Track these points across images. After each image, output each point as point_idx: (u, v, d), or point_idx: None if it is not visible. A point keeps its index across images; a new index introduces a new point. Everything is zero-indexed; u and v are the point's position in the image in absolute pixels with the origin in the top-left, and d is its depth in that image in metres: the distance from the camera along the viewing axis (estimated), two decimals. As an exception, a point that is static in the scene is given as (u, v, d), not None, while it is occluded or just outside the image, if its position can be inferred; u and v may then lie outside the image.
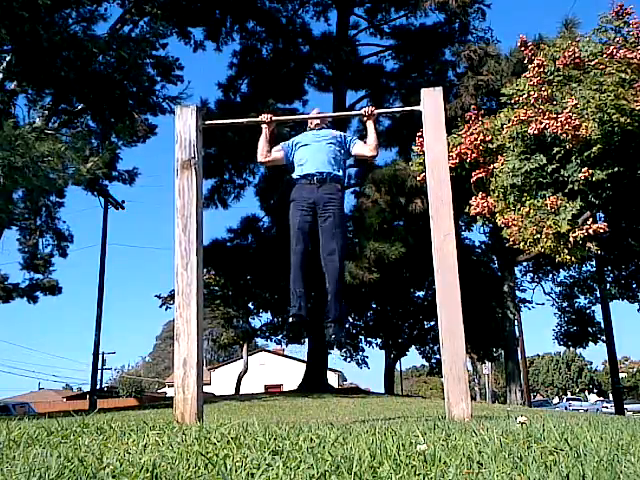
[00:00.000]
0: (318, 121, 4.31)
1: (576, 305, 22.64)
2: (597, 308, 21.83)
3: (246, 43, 17.95)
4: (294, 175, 4.16)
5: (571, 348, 24.00)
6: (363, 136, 4.29)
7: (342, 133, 4.33)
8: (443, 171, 3.58)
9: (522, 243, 10.20)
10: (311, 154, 4.09)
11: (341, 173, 4.12)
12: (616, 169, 9.47)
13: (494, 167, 10.74)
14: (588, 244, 9.85)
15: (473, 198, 11.05)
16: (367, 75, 18.40)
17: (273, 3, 17.61)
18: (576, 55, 9.87)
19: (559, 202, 9.67)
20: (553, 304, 22.83)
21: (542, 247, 9.93)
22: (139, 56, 12.94)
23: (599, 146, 9.16)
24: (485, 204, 10.76)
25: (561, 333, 22.48)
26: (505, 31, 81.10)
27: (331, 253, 3.92)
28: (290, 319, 3.98)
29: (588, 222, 9.99)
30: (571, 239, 9.71)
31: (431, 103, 3.70)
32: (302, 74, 18.03)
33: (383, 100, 17.91)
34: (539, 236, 9.80)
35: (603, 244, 10.76)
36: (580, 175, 9.41)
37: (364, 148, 4.24)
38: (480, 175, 10.98)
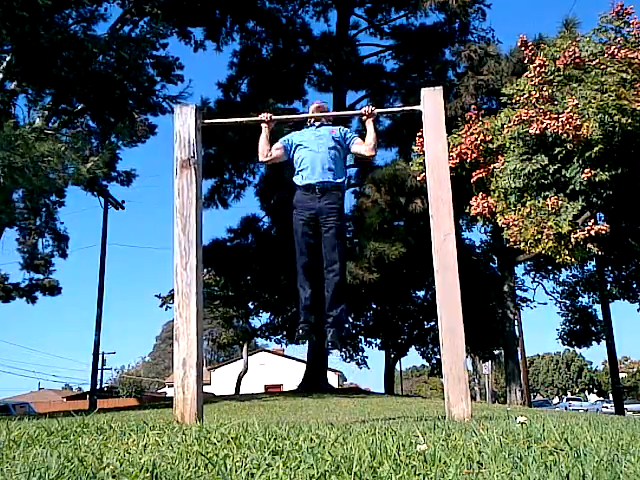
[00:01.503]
0: (319, 105, 4.29)
1: (578, 304, 22.64)
2: (598, 307, 21.88)
3: (246, 43, 17.96)
4: (295, 181, 4.15)
5: (575, 348, 23.93)
6: (363, 135, 4.27)
7: (342, 129, 4.26)
8: (443, 171, 3.58)
9: (523, 244, 10.20)
10: (311, 160, 4.07)
11: (341, 179, 4.12)
12: (619, 170, 9.46)
13: (494, 167, 10.74)
14: (589, 245, 9.84)
15: (473, 198, 11.05)
16: (367, 75, 18.41)
17: (273, 3, 17.62)
18: (576, 55, 9.87)
19: (560, 203, 9.66)
20: (556, 303, 22.82)
21: (543, 248, 9.93)
22: (139, 56, 12.95)
23: (600, 146, 9.15)
24: (485, 204, 10.76)
25: (565, 333, 22.46)
26: (505, 31, 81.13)
27: (332, 263, 4.03)
28: (299, 332, 4.08)
29: (589, 222, 9.98)
30: (572, 240, 9.70)
31: (431, 103, 3.70)
32: (302, 74, 18.04)
33: (383, 100, 17.92)
34: (540, 237, 9.79)
35: (603, 244, 10.74)
36: (583, 176, 9.40)
37: (362, 148, 4.21)
38: (480, 175, 10.98)
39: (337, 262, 4.02)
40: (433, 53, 17.62)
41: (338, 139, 4.16)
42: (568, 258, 10.00)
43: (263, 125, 4.14)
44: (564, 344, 22.97)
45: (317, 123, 4.24)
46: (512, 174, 10.13)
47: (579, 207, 9.69)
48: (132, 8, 14.40)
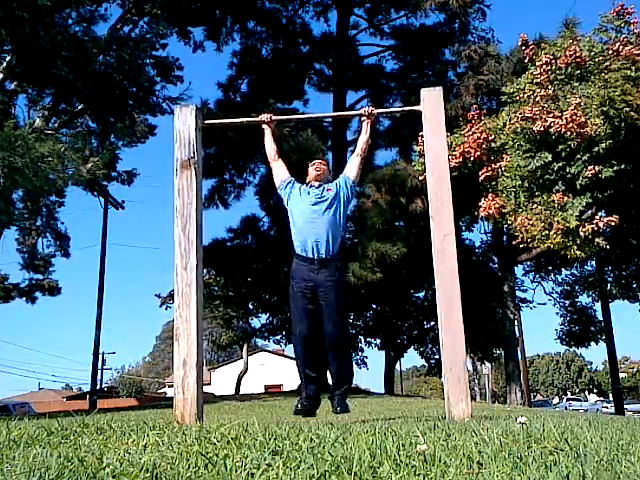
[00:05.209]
0: (319, 172, 4.14)
1: (578, 304, 22.59)
2: (598, 307, 21.84)
3: (246, 43, 17.97)
4: (293, 243, 4.03)
5: (573, 348, 23.95)
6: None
7: (336, 181, 4.13)
8: (443, 172, 3.58)
9: (531, 240, 10.18)
10: (309, 228, 3.93)
11: (339, 244, 3.98)
12: (622, 166, 9.47)
13: (500, 166, 10.74)
14: (596, 240, 9.85)
15: (482, 200, 11.02)
16: (367, 75, 18.41)
17: (273, 3, 17.63)
18: (577, 54, 9.88)
19: (565, 199, 9.67)
20: (555, 303, 22.77)
21: (551, 243, 9.92)
22: (139, 56, 12.96)
23: (610, 141, 9.12)
24: (496, 205, 10.73)
25: (564, 333, 22.42)
26: (505, 31, 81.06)
27: (334, 341, 3.92)
28: (299, 407, 3.92)
29: (595, 218, 9.98)
30: (581, 234, 9.70)
31: (431, 103, 3.69)
32: (302, 74, 18.04)
33: (383, 100, 17.92)
34: (548, 232, 9.79)
35: (609, 240, 10.73)
36: (587, 173, 9.41)
37: (352, 161, 4.17)
38: (488, 174, 10.96)
39: (339, 343, 3.94)
40: (433, 53, 17.62)
41: (334, 193, 4.03)
42: (577, 253, 10.00)
43: (264, 126, 4.11)
44: (562, 344, 22.95)
45: (316, 184, 4.09)
46: (516, 171, 10.14)
47: (584, 203, 9.70)
48: (132, 8, 14.40)
